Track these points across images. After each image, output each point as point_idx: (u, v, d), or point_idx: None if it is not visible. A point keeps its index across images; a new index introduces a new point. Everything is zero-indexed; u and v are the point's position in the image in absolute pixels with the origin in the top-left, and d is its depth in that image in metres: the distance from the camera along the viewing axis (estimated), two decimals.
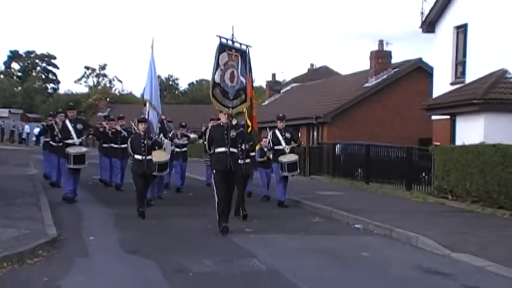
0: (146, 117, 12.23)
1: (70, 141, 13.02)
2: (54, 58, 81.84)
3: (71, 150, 12.86)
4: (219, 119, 14.74)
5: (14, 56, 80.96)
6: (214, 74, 10.79)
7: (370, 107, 28.01)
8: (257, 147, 13.58)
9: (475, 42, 19.11)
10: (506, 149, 13.55)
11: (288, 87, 42.21)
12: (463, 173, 14.77)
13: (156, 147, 12.12)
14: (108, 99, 64.52)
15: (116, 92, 76.51)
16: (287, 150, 13.97)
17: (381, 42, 30.43)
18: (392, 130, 26.81)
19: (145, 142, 11.74)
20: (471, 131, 16.76)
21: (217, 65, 10.79)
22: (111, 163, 16.42)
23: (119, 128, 16.28)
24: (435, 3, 20.88)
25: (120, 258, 8.27)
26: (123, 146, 15.71)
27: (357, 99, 28.36)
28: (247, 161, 12.10)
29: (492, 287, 7.33)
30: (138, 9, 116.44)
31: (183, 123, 17.22)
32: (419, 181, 17.85)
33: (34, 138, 50.31)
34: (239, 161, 10.97)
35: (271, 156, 14.43)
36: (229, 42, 11.06)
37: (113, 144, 16.26)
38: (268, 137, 14.33)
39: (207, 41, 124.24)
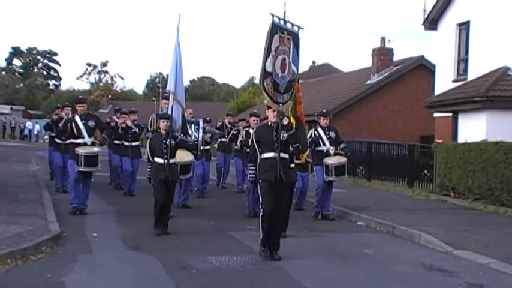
0: (170, 112, 10.49)
1: (80, 140, 11.20)
2: (56, 55, 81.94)
3: (81, 150, 11.07)
4: (254, 115, 13.61)
5: (15, 52, 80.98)
6: (265, 62, 8.42)
7: (372, 105, 28.00)
8: (307, 153, 10.73)
9: (477, 39, 19.10)
10: (509, 147, 13.56)
11: None
12: (465, 170, 14.76)
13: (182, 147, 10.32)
14: (109, 96, 64.55)
15: (118, 88, 76.71)
16: (331, 152, 12.04)
17: (383, 40, 30.40)
18: (394, 127, 26.84)
19: (167, 143, 9.81)
20: (473, 128, 16.78)
21: (268, 50, 8.44)
22: (122, 162, 15.00)
23: (129, 124, 14.72)
24: (437, 1, 20.87)
25: (123, 255, 8.29)
26: (133, 143, 14.80)
27: (359, 96, 28.33)
28: (292, 166, 9.03)
29: (495, 285, 7.32)
30: (138, 5, 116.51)
31: (208, 118, 15.01)
32: (421, 178, 17.88)
33: (36, 133, 50.67)
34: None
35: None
36: (281, 22, 8.69)
37: (124, 142, 14.85)
38: (308, 135, 11.73)
39: (208, 38, 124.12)
